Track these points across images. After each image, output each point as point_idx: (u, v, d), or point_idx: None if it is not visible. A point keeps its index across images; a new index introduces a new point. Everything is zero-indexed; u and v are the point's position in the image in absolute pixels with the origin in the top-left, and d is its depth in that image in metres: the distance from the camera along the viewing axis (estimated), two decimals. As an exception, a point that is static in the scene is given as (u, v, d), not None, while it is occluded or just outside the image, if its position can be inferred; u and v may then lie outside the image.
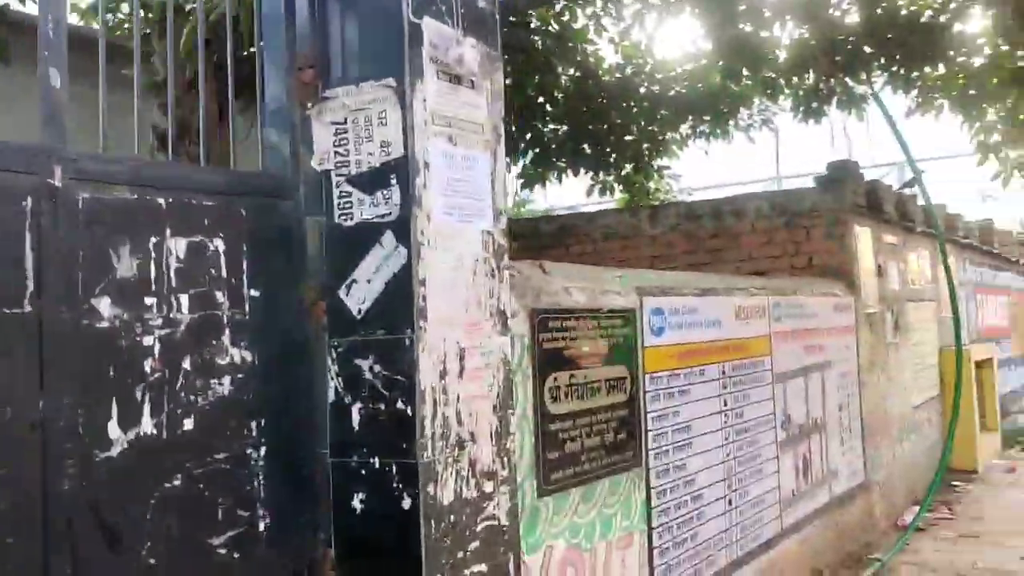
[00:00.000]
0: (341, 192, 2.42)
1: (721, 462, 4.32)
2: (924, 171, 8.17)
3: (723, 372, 4.40)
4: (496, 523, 2.53)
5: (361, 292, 2.37)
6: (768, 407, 4.87)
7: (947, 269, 7.28)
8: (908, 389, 7.57)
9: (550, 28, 10.09)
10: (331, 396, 2.41)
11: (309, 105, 2.48)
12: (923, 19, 8.12)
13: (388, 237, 2.34)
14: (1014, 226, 19.82)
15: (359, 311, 2.38)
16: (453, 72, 2.48)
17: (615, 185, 11.21)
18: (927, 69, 8.52)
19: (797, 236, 6.62)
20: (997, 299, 12.15)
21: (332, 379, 2.40)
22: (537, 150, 11.12)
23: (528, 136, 11.08)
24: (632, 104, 10.57)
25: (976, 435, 8.65)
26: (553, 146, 11.04)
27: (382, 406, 2.33)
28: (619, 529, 3.40)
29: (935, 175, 19.12)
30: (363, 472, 2.35)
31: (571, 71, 10.73)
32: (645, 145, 10.91)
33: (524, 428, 2.94)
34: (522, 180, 11.32)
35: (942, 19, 7.97)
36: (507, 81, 10.06)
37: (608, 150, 10.97)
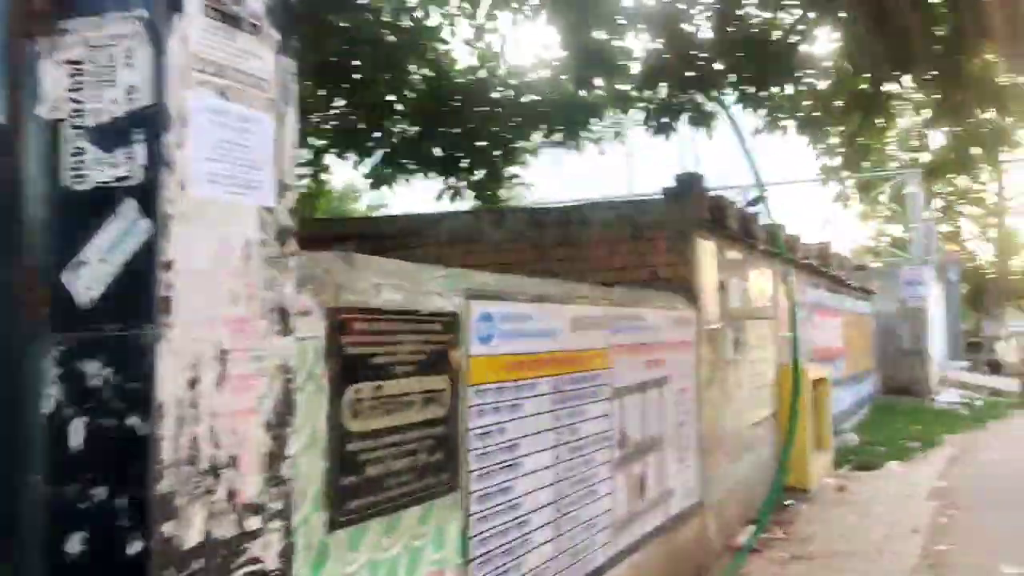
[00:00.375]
0: (73, 148, 1.91)
1: (551, 483, 3.98)
2: (767, 189, 8.22)
3: (557, 386, 4.07)
4: (262, 567, 2.06)
5: (92, 275, 1.87)
6: (604, 424, 4.59)
7: (788, 287, 7.28)
8: (746, 407, 7.53)
9: (401, 23, 9.70)
10: (48, 407, 1.89)
11: (38, 39, 1.96)
12: (773, 38, 8.18)
13: (128, 206, 1.85)
14: (850, 251, 20.78)
15: (88, 300, 1.87)
16: (229, 11, 2.02)
17: (466, 191, 10.87)
18: (776, 89, 8.59)
19: (642, 248, 6.44)
20: (833, 320, 12.54)
21: (50, 385, 1.89)
22: (387, 150, 10.68)
23: (378, 135, 10.64)
24: (485, 108, 10.29)
25: (810, 454, 8.75)
26: (403, 146, 10.64)
27: (112, 422, 1.83)
28: (428, 564, 2.99)
29: (780, 199, 19.86)
30: (84, 505, 1.84)
31: (424, 70, 10.36)
32: (497, 151, 10.65)
33: (314, 450, 2.50)
34: (371, 180, 10.86)
35: (791, 40, 8.05)
36: (357, 76, 9.47)
37: (460, 154, 10.65)
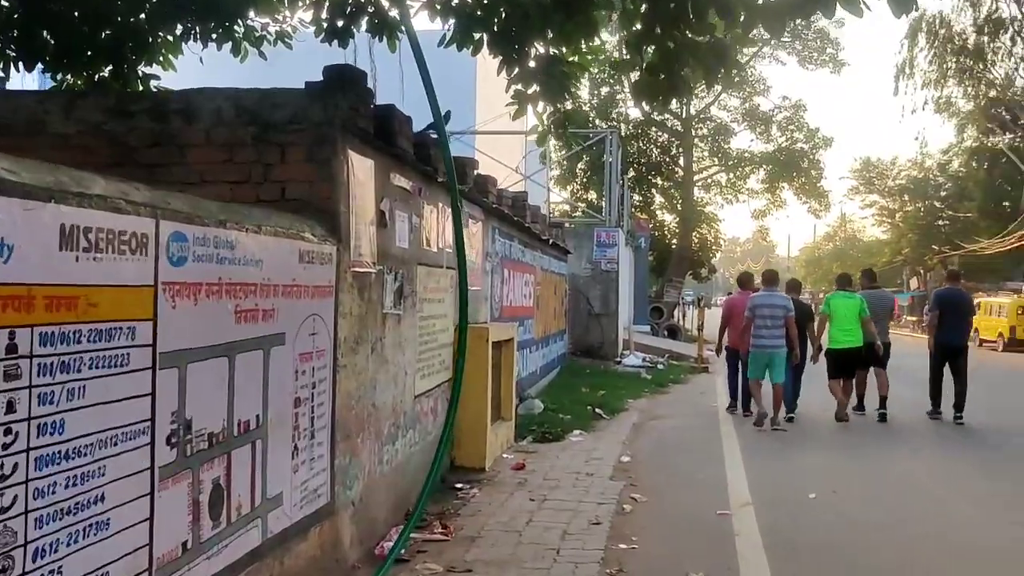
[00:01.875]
0: None
1: (-16, 526, 2.17)
2: (450, 110, 6.66)
3: (17, 347, 2.24)
4: None
5: None
6: (139, 410, 2.81)
7: (457, 224, 5.78)
8: (410, 374, 6.06)
9: None
10: None
11: None
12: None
13: None
14: (547, 209, 20.24)
15: None
16: None
17: (84, 90, 8.43)
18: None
19: (269, 156, 4.67)
20: (525, 277, 11.50)
21: None
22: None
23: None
24: (111, -13, 7.97)
25: (487, 427, 7.51)
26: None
27: None
28: None
29: (479, 148, 18.79)
30: None
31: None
32: (128, 44, 8.33)
33: None
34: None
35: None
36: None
37: (78, 43, 8.20)
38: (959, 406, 10.91)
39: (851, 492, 7.10)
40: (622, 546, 5.35)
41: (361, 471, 5.06)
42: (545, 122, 7.61)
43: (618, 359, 18.08)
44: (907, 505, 6.76)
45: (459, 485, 6.90)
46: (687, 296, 44.18)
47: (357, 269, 4.89)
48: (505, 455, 8.10)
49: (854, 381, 11.37)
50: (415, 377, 6.18)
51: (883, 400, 11.12)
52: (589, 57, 7.66)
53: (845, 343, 10.96)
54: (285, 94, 4.79)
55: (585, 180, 34.56)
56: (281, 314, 3.87)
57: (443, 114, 6.12)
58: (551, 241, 13.27)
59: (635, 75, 6.31)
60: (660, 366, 18.01)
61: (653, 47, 5.74)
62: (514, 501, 6.44)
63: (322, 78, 4.94)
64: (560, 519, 5.90)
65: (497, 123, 18.34)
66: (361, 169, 4.99)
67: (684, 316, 38.33)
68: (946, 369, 11.26)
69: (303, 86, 4.90)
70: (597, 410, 11.08)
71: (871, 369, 11.36)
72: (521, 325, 11.06)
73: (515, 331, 9.01)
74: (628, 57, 5.91)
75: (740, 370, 11.41)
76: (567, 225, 18.90)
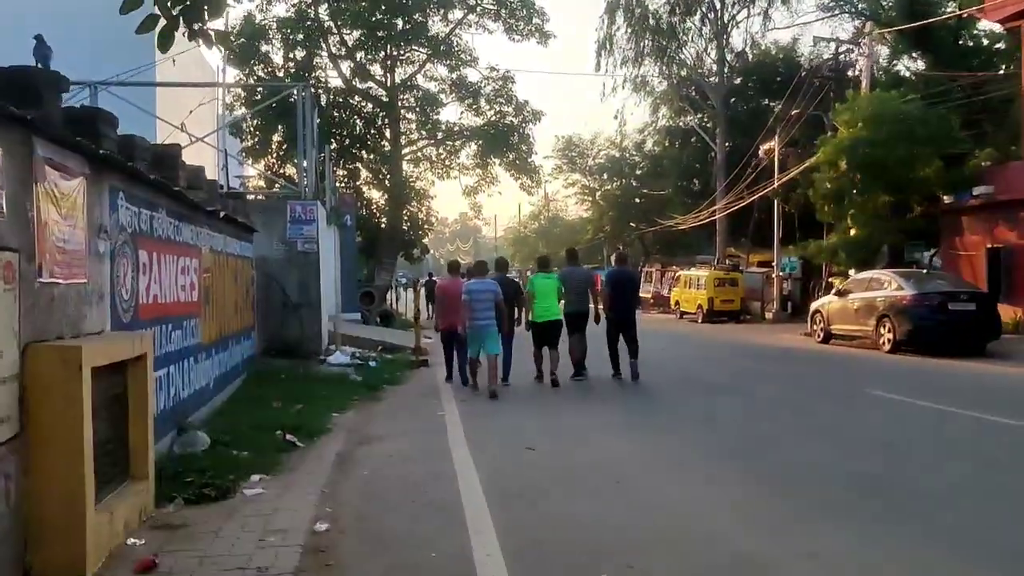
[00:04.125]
0: None
1: None
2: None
3: None
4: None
5: None
6: None
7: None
8: None
9: None
10: None
11: None
12: None
13: None
14: (237, 184, 16.91)
15: None
16: None
17: None
18: None
19: None
20: (183, 262, 8.45)
21: None
22: None
23: None
24: None
25: (87, 509, 4.58)
26: None
27: None
28: None
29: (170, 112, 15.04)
30: None
31: None
32: None
33: None
34: None
35: None
36: None
37: None
38: (634, 368, 12.99)
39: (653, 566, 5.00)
40: None
41: None
42: (170, 9, 4.75)
43: (322, 357, 15.33)
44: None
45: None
46: (401, 279, 42.04)
47: None
48: (132, 540, 5.19)
49: (570, 348, 13.13)
50: None
51: (579, 363, 13.12)
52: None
53: (546, 316, 12.87)
54: None
55: (282, 153, 31.12)
56: None
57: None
58: (223, 214, 10.21)
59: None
60: (372, 362, 15.51)
61: None
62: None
63: None
64: None
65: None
66: None
67: (398, 300, 36.18)
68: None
69: None
70: (289, 436, 8.36)
71: (574, 336, 13.18)
72: (178, 328, 8.08)
73: (149, 343, 6.03)
74: None
75: (456, 348, 13.09)
76: (252, 197, 15.76)
